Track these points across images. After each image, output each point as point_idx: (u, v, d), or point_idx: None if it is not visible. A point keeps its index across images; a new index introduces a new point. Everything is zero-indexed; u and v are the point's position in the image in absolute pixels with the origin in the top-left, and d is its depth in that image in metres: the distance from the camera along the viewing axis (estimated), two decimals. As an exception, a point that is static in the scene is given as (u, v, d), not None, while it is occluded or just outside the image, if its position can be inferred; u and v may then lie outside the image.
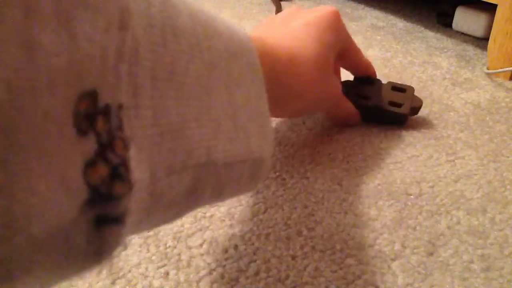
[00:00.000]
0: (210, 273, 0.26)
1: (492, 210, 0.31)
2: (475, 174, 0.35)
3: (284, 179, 0.34)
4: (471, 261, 0.27)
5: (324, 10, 0.35)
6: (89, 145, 0.13)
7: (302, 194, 0.32)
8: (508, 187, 0.34)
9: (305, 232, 0.29)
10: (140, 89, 0.15)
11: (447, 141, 0.39)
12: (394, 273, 0.26)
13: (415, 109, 0.41)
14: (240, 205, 0.31)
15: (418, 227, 0.29)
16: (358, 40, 0.64)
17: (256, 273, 0.26)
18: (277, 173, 0.35)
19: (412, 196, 0.32)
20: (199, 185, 0.18)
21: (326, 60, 0.33)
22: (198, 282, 0.25)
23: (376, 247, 0.28)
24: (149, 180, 0.15)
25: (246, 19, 0.72)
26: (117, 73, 0.14)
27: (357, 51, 0.40)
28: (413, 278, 0.26)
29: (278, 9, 0.73)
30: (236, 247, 0.28)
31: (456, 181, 0.34)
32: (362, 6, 0.80)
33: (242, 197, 0.32)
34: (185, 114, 0.17)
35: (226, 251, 0.27)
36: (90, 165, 0.13)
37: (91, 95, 0.13)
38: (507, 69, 0.51)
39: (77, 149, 0.13)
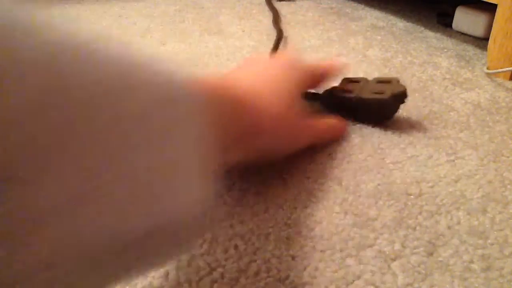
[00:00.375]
0: (210, 273, 0.26)
1: (492, 210, 0.31)
2: (475, 174, 0.35)
3: (285, 179, 0.34)
4: (471, 261, 0.27)
5: (285, 55, 0.39)
6: None
7: (302, 194, 0.32)
8: (508, 187, 0.34)
9: (305, 232, 0.29)
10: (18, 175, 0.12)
11: (447, 141, 0.39)
12: (394, 273, 0.26)
13: (398, 95, 0.40)
14: (240, 205, 0.31)
15: (418, 227, 0.29)
16: (358, 40, 0.64)
17: (256, 273, 0.26)
18: (277, 173, 0.35)
19: (412, 196, 0.32)
20: (99, 270, 0.16)
21: (290, 95, 0.33)
22: (198, 282, 0.25)
23: (376, 247, 0.28)
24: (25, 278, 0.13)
25: (246, 19, 0.72)
26: None
27: (317, 71, 0.41)
28: (413, 278, 0.26)
29: (276, 15, 0.72)
30: (236, 247, 0.28)
31: (456, 181, 0.34)
32: (362, 6, 0.80)
33: (242, 197, 0.32)
34: (77, 193, 0.14)
35: (226, 251, 0.27)
36: None
37: None
38: (507, 69, 0.51)
39: None
